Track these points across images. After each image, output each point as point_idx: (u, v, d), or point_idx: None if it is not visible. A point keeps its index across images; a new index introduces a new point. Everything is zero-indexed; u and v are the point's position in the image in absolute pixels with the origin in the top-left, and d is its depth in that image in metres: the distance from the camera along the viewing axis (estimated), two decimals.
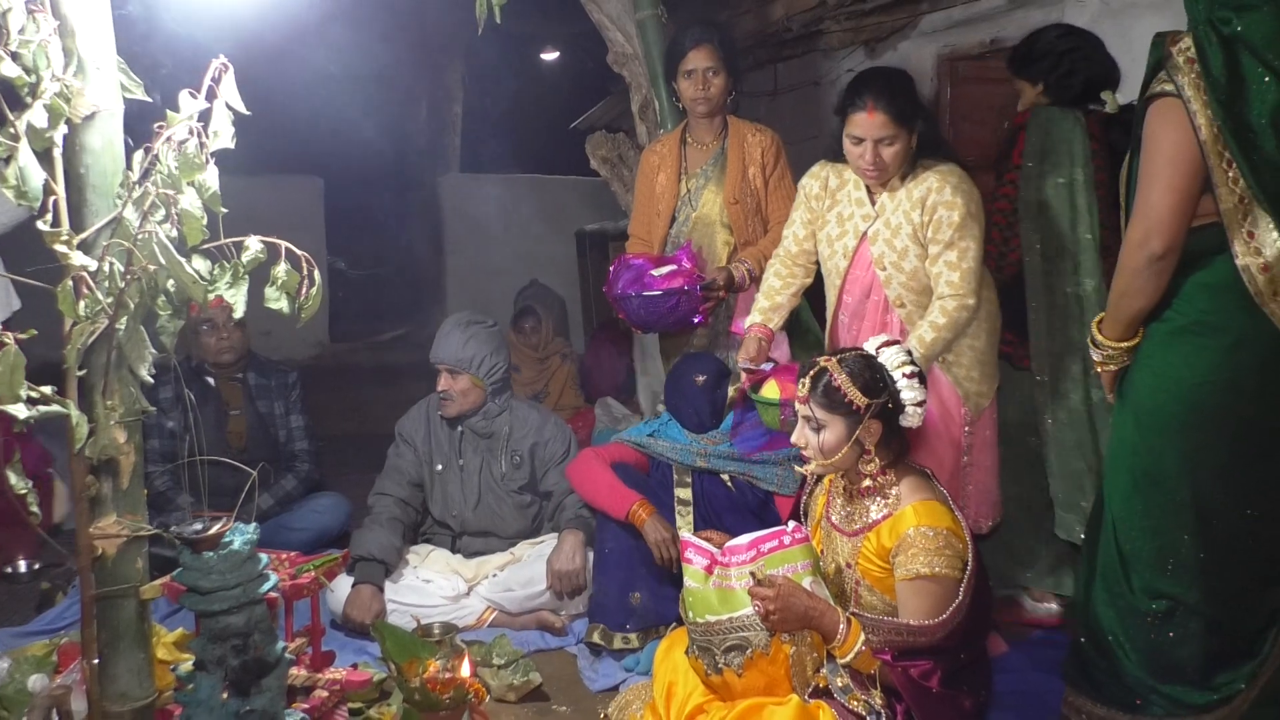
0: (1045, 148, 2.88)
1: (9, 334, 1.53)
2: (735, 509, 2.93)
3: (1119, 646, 2.12)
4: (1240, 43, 1.84)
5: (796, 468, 2.31)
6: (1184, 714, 2.06)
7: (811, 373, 2.18)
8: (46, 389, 1.65)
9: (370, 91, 8.93)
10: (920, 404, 2.17)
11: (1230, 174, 1.87)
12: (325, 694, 2.30)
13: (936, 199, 2.57)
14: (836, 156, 2.75)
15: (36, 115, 1.61)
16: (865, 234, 2.69)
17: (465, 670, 2.22)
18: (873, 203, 2.70)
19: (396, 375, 6.69)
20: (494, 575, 3.14)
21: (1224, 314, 1.95)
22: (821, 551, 2.32)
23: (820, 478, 2.41)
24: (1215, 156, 1.87)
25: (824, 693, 2.09)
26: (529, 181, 8.97)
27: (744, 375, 2.83)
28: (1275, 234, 1.85)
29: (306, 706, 2.22)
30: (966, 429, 2.70)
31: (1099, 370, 2.18)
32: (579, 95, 8.17)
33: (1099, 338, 2.12)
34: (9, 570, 3.50)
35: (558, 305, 6.00)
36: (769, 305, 2.90)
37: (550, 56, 10.23)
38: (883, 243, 2.66)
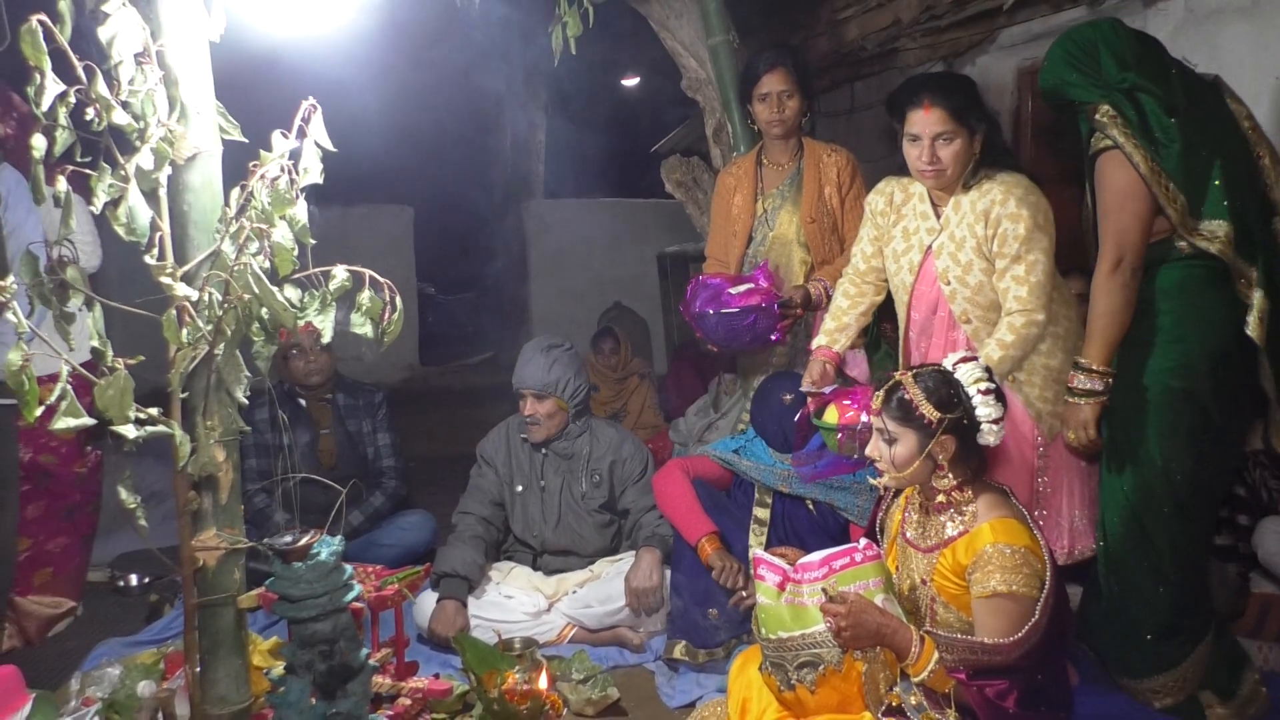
0: None
1: (119, 359, 1.66)
2: (816, 532, 2.94)
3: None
4: (1139, 89, 2.43)
5: (871, 479, 2.31)
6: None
7: (886, 385, 2.19)
8: (153, 411, 1.77)
9: (458, 123, 9.20)
10: (997, 421, 2.14)
11: (1169, 193, 2.39)
12: (408, 702, 2.38)
13: (1000, 211, 2.52)
14: (903, 172, 2.73)
15: (144, 159, 1.74)
16: (930, 248, 2.65)
17: (543, 683, 2.28)
18: (937, 216, 2.66)
19: (483, 397, 6.85)
20: (574, 592, 3.20)
21: (1172, 313, 2.46)
22: (896, 568, 2.31)
23: (898, 493, 2.40)
24: (1156, 184, 2.39)
25: (898, 711, 2.07)
26: (611, 205, 9.10)
27: (809, 399, 2.83)
28: (1214, 221, 2.40)
29: (391, 713, 2.31)
30: (1040, 450, 2.62)
31: (1089, 404, 2.49)
32: (660, 119, 8.28)
33: (1096, 366, 2.47)
34: (121, 584, 3.71)
35: (638, 327, 6.09)
36: (835, 326, 2.89)
37: (631, 82, 10.38)
38: (947, 256, 2.61)
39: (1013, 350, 2.51)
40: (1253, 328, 2.39)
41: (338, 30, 2.47)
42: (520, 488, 3.36)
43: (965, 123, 2.52)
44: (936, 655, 2.03)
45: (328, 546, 1.87)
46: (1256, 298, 2.39)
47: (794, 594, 2.17)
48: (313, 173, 1.89)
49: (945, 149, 2.52)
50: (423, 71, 7.34)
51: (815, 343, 2.90)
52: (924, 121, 2.51)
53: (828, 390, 2.79)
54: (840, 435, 2.65)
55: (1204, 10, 3.54)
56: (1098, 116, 2.44)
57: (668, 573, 3.07)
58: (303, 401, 3.80)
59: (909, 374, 2.17)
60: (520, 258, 9.02)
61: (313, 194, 1.90)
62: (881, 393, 2.18)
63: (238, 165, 1.88)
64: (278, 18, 2.31)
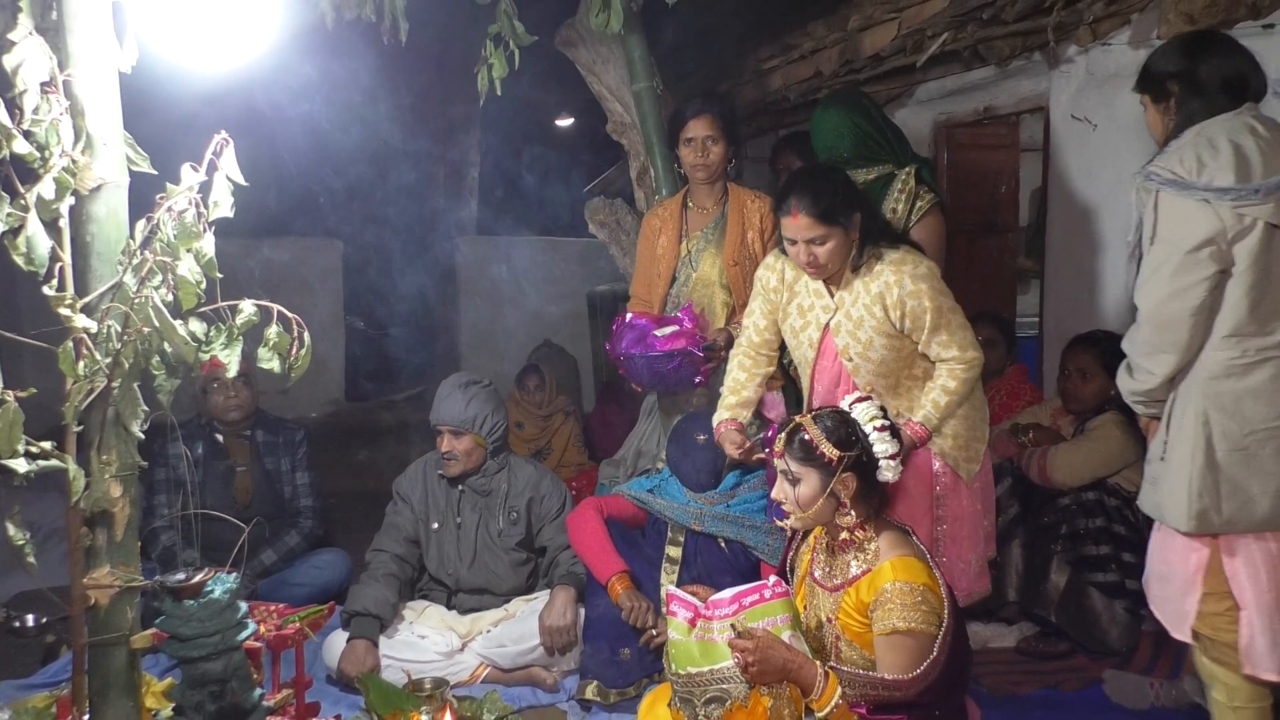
0: None
1: (9, 391, 1.63)
2: (728, 570, 2.97)
3: None
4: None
5: (779, 521, 2.36)
6: None
7: (788, 429, 2.25)
8: (46, 444, 1.73)
9: (390, 158, 9.18)
10: (893, 457, 2.22)
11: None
12: None
13: (900, 293, 2.56)
14: None
15: (46, 188, 1.72)
16: (828, 325, 2.69)
17: None
18: (831, 295, 2.69)
19: (410, 432, 6.74)
20: (488, 631, 3.16)
21: None
22: (804, 607, 2.35)
23: (807, 534, 2.45)
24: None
25: None
26: (544, 243, 9.12)
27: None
28: None
29: None
30: (939, 495, 2.66)
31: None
32: (593, 160, 8.37)
33: None
34: (16, 624, 3.56)
35: (566, 364, 6.09)
36: (736, 401, 2.90)
37: (565, 123, 10.50)
38: (846, 334, 2.64)
39: (955, 396, 2.59)
40: None
41: (266, 63, 2.45)
42: (436, 525, 3.33)
43: (835, 222, 2.53)
44: (840, 691, 2.07)
45: (222, 584, 1.84)
46: None
47: (704, 630, 2.20)
48: (223, 206, 1.88)
49: (820, 249, 2.55)
50: (355, 107, 7.32)
51: (718, 418, 2.91)
52: (795, 228, 2.55)
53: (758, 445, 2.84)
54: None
55: (1103, 74, 3.73)
56: (915, 184, 3.24)
57: (582, 611, 3.07)
58: (220, 437, 3.73)
59: (808, 416, 2.25)
60: (451, 294, 8.98)
61: (240, 227, 1.89)
62: (783, 435, 2.24)
63: (150, 197, 1.86)
64: (201, 51, 2.27)
